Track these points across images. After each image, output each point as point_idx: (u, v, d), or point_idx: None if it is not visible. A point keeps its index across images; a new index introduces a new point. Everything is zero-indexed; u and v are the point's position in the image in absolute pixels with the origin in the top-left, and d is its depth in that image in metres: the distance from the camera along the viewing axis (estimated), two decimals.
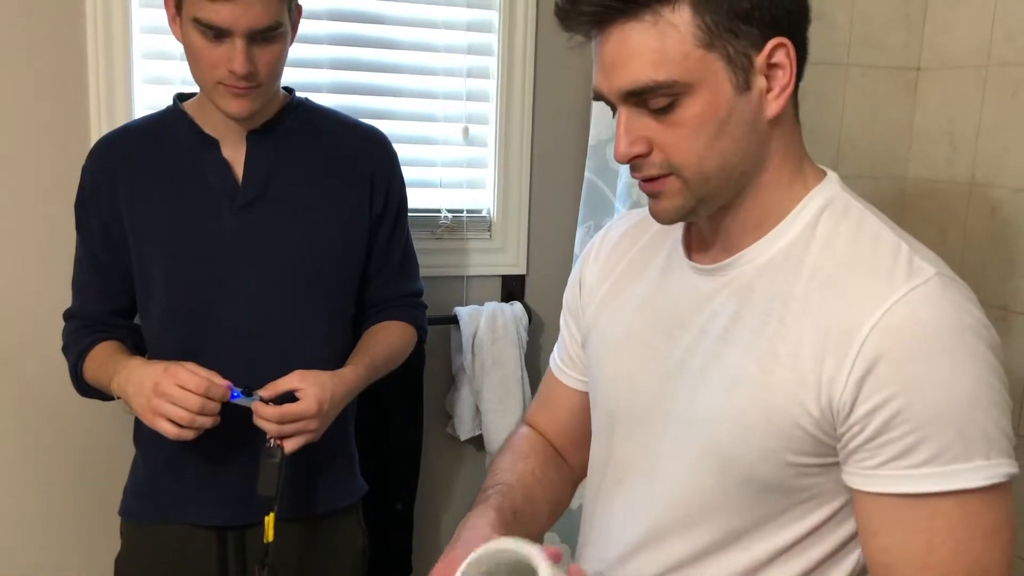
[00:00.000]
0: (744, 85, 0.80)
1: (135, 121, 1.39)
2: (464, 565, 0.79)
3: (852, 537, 0.84)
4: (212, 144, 1.30)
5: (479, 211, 1.81)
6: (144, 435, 1.36)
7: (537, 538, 1.03)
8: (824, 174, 0.89)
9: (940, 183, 1.89)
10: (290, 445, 1.22)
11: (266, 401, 1.21)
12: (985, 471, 0.76)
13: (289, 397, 1.23)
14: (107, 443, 1.59)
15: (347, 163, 1.37)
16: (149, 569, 1.37)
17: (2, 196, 1.50)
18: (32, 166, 1.51)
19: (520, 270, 1.84)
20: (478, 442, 1.80)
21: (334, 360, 1.34)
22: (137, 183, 1.29)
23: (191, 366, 1.19)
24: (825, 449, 0.80)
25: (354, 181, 1.36)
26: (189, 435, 1.18)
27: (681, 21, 0.77)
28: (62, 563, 1.63)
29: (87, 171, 1.32)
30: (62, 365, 1.36)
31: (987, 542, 0.77)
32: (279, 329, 1.31)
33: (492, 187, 1.80)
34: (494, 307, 1.77)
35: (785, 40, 0.80)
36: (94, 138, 1.49)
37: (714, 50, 0.78)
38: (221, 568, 1.35)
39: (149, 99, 1.55)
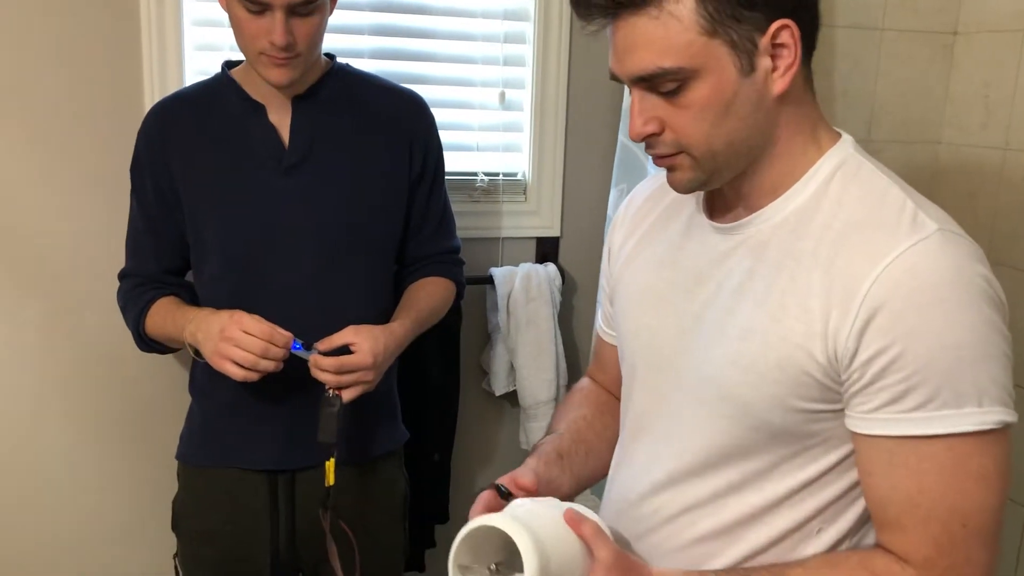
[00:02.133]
0: (749, 67, 0.83)
1: (186, 88, 1.45)
2: (456, 542, 0.82)
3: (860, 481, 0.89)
4: (259, 109, 1.35)
5: (514, 174, 1.85)
6: (199, 383, 1.44)
7: (597, 472, 1.10)
8: (839, 137, 0.92)
9: (974, 148, 1.89)
10: (348, 395, 1.29)
11: (323, 354, 1.28)
12: (976, 417, 0.79)
13: (344, 351, 1.29)
14: (165, 391, 1.66)
15: (387, 126, 1.42)
16: (204, 510, 1.44)
17: (63, 159, 1.56)
18: (90, 131, 1.57)
19: (554, 232, 1.88)
20: (512, 398, 1.86)
21: (376, 315, 1.40)
22: (189, 147, 1.35)
23: (256, 316, 1.26)
24: (832, 396, 0.85)
25: (394, 143, 1.41)
26: (253, 377, 1.25)
27: (684, 11, 0.81)
28: (123, 505, 1.71)
29: (142, 136, 1.39)
30: (121, 319, 1.44)
31: (976, 485, 0.81)
32: (324, 286, 1.37)
33: (527, 150, 1.84)
34: (528, 268, 1.82)
35: (788, 21, 0.83)
36: (147, 103, 1.55)
37: (717, 37, 0.82)
38: (272, 509, 1.42)
39: (199, 65, 1.61)
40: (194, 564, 1.45)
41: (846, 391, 0.84)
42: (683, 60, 0.82)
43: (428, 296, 1.47)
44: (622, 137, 1.71)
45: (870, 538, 0.91)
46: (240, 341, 1.24)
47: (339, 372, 1.28)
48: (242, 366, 1.24)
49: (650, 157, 1.70)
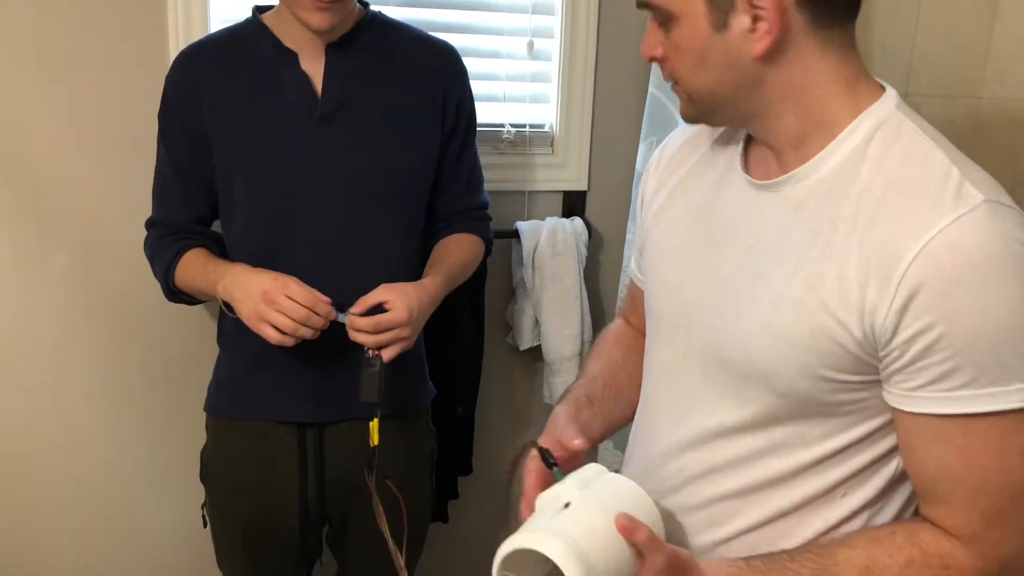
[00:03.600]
0: (721, 24, 0.82)
1: (216, 33, 1.42)
2: (498, 559, 0.82)
3: (891, 450, 0.87)
4: (291, 57, 1.33)
5: (542, 126, 1.82)
6: (227, 335, 1.43)
7: (627, 413, 1.10)
8: (880, 92, 0.88)
9: (1017, 103, 1.84)
10: (388, 353, 1.29)
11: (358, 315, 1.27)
12: (1022, 394, 0.78)
13: (378, 310, 1.28)
14: (191, 342, 1.67)
15: (421, 77, 1.39)
16: (233, 461, 1.44)
17: (85, 108, 1.56)
18: (113, 78, 1.56)
19: (581, 186, 1.86)
20: (536, 352, 1.86)
21: (405, 269, 1.39)
22: (219, 94, 1.33)
23: (298, 280, 1.25)
24: (867, 368, 0.83)
25: (427, 95, 1.39)
26: (290, 342, 1.25)
27: None
28: (148, 455, 1.73)
29: (171, 82, 1.36)
30: (147, 268, 1.44)
31: (1022, 460, 0.79)
32: (354, 239, 1.36)
33: (555, 102, 1.81)
34: (555, 222, 1.80)
35: None
36: (172, 48, 1.54)
37: None
38: (301, 462, 1.42)
39: (224, 11, 1.59)
40: (222, 514, 1.47)
41: (885, 367, 0.82)
42: (663, 1, 0.85)
43: (458, 252, 1.46)
44: (653, 89, 1.68)
45: (894, 503, 0.90)
46: (282, 306, 1.23)
47: (376, 331, 1.27)
48: (280, 331, 1.24)
49: None
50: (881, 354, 0.81)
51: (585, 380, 1.10)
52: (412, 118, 1.38)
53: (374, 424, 1.31)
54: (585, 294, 1.83)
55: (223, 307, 1.33)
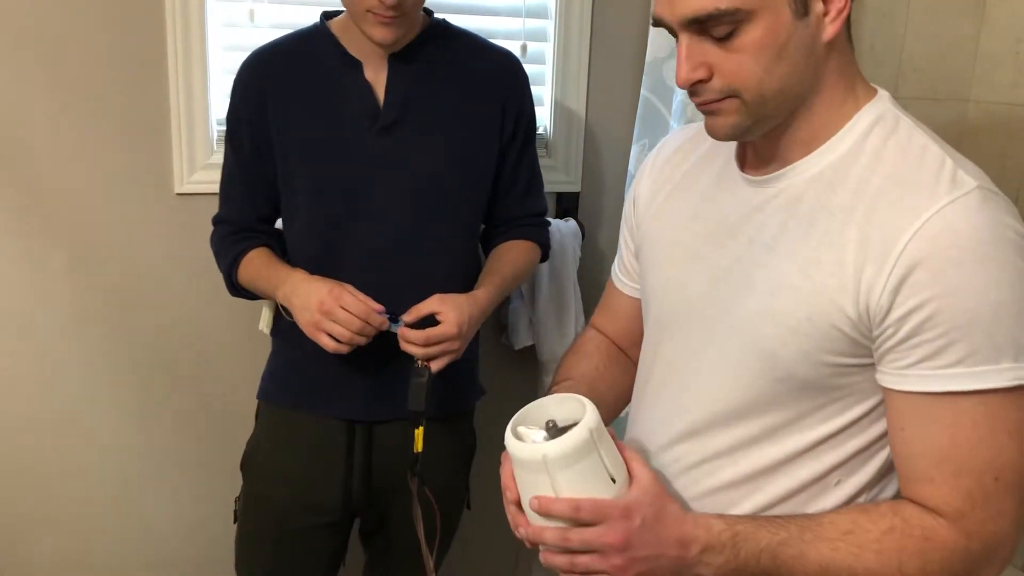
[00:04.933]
0: (803, 10, 0.82)
1: (284, 37, 1.42)
2: (513, 420, 0.88)
3: (883, 434, 0.89)
4: (355, 65, 1.34)
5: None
6: (283, 328, 1.45)
7: (608, 418, 1.12)
8: (875, 92, 0.91)
9: (1004, 106, 1.86)
10: (436, 365, 1.31)
11: (409, 325, 1.30)
12: (1011, 373, 0.80)
13: (430, 320, 1.30)
14: (194, 340, 1.69)
15: (482, 87, 1.40)
16: (280, 450, 1.46)
17: (85, 106, 1.57)
18: (113, 75, 1.57)
19: (575, 187, 1.88)
20: (531, 352, 1.87)
21: (461, 279, 1.41)
22: (285, 98, 1.35)
23: (352, 290, 1.28)
24: (862, 350, 0.85)
25: (488, 105, 1.40)
26: (344, 349, 1.28)
27: None
28: (131, 474, 1.75)
29: (239, 83, 1.38)
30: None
31: (1009, 439, 0.81)
32: (411, 246, 1.37)
33: (549, 105, 1.83)
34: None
35: None
36: (170, 48, 1.56)
37: None
38: (348, 458, 1.44)
39: (223, 14, 1.60)
40: (258, 505, 1.47)
41: (878, 347, 0.84)
42: (740, 1, 0.80)
43: (513, 261, 1.47)
44: (645, 92, 1.70)
45: (888, 491, 0.92)
46: (338, 317, 1.26)
47: (426, 344, 1.29)
48: (336, 340, 1.27)
49: (674, 112, 1.70)
50: (875, 333, 0.83)
51: (568, 386, 1.10)
52: (472, 128, 1.39)
53: (419, 432, 1.33)
54: (579, 294, 1.85)
55: (282, 309, 1.37)
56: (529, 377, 1.95)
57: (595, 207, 1.89)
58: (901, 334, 0.81)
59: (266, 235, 1.44)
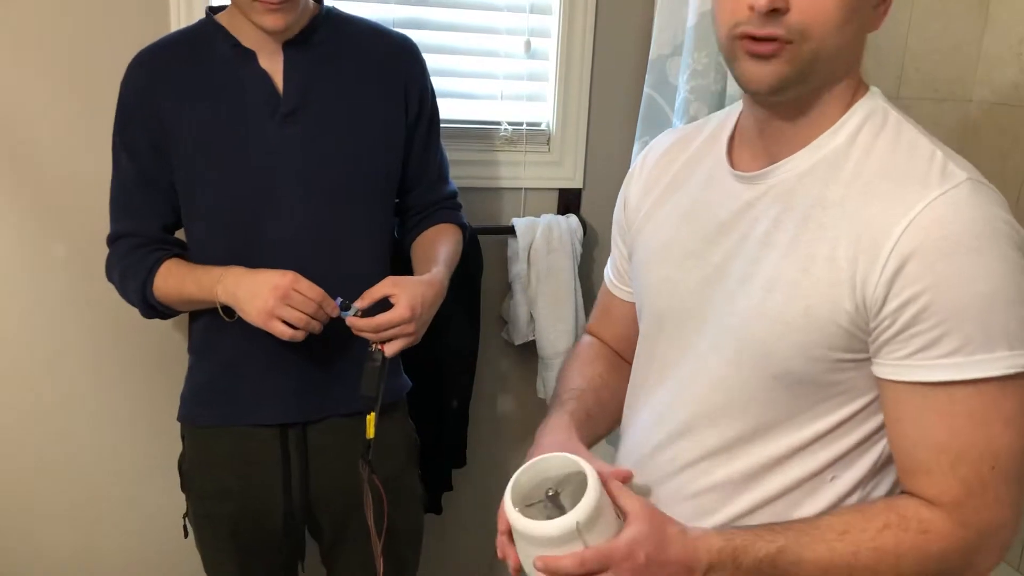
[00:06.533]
0: None
1: (170, 35, 1.39)
2: (513, 479, 0.88)
3: (877, 430, 0.90)
4: (249, 56, 1.30)
5: (538, 124, 1.84)
6: (199, 342, 1.41)
7: (609, 434, 1.14)
8: (867, 88, 0.93)
9: (1006, 107, 1.87)
10: (391, 349, 1.29)
11: (362, 311, 1.27)
12: (1006, 361, 0.81)
13: (383, 303, 1.28)
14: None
15: (381, 71, 1.38)
16: (214, 469, 1.41)
17: (86, 100, 1.56)
18: (114, 72, 1.58)
19: (577, 184, 1.88)
20: (531, 347, 1.88)
21: (377, 267, 1.38)
22: (179, 95, 1.31)
23: (306, 280, 1.25)
24: (858, 344, 0.86)
25: (389, 89, 1.38)
26: (300, 336, 1.25)
27: None
28: (128, 467, 1.74)
29: (127, 86, 1.33)
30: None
31: (1005, 427, 0.82)
32: (323, 238, 1.34)
33: (552, 101, 1.83)
34: (550, 219, 1.82)
35: None
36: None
37: None
38: (284, 464, 1.41)
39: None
40: (207, 522, 1.44)
41: (874, 339, 0.85)
42: None
43: (446, 243, 1.46)
44: (648, 89, 1.70)
45: (883, 486, 0.93)
46: (294, 300, 1.23)
47: (377, 331, 1.27)
48: (292, 326, 1.24)
49: (676, 110, 1.70)
50: (871, 325, 0.84)
51: (576, 395, 1.10)
52: (375, 112, 1.37)
53: (371, 418, 1.32)
54: (580, 290, 1.85)
55: (221, 311, 1.31)
56: (529, 372, 1.96)
57: (597, 204, 1.89)
58: (897, 325, 0.82)
59: (176, 245, 1.38)
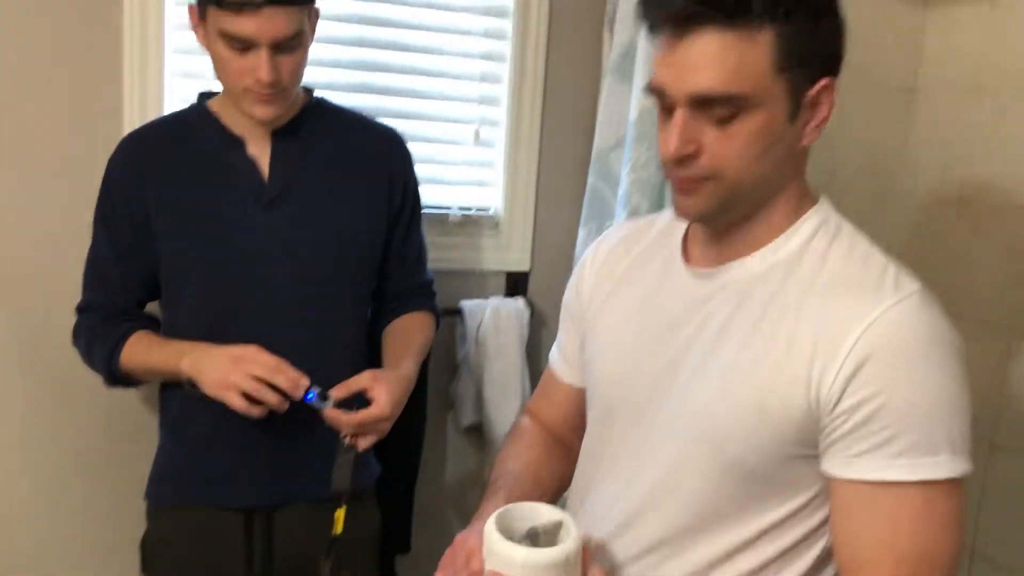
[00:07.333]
0: (794, 115, 0.88)
1: (161, 118, 1.43)
2: (491, 519, 0.87)
3: (820, 525, 0.92)
4: (238, 143, 1.35)
5: (487, 209, 1.89)
6: (172, 418, 1.40)
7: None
8: (818, 198, 0.97)
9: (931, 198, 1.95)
10: (363, 444, 1.31)
11: (338, 403, 1.27)
12: (948, 465, 0.84)
13: (358, 396, 1.29)
14: (131, 428, 1.64)
15: (367, 161, 1.42)
16: (175, 550, 1.40)
17: (37, 175, 1.56)
18: (66, 150, 1.57)
19: (524, 267, 1.92)
20: (478, 430, 1.88)
21: (353, 348, 1.40)
22: (165, 179, 1.34)
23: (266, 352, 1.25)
24: (810, 440, 0.88)
25: (374, 179, 1.42)
26: (256, 411, 1.23)
27: (765, 41, 0.83)
28: (90, 546, 1.69)
29: (114, 165, 1.36)
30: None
31: (943, 528, 0.85)
32: (302, 322, 1.36)
33: (500, 187, 1.88)
34: (498, 301, 1.85)
35: (831, 81, 0.88)
36: (127, 127, 1.56)
37: (782, 77, 0.85)
38: (247, 550, 1.39)
39: (181, 92, 1.62)
40: None
41: (826, 436, 0.87)
42: (750, 88, 0.84)
43: (419, 333, 1.48)
44: (592, 179, 1.76)
45: None
46: (252, 370, 1.23)
47: (359, 428, 1.28)
48: (249, 398, 1.23)
49: (619, 200, 1.75)
50: (823, 422, 0.86)
51: (511, 481, 1.09)
52: (358, 202, 1.40)
53: (340, 513, 1.30)
54: (527, 371, 1.86)
55: (186, 384, 1.30)
56: (476, 454, 1.95)
57: (544, 286, 1.93)
58: (851, 423, 0.85)
59: (144, 319, 1.40)
